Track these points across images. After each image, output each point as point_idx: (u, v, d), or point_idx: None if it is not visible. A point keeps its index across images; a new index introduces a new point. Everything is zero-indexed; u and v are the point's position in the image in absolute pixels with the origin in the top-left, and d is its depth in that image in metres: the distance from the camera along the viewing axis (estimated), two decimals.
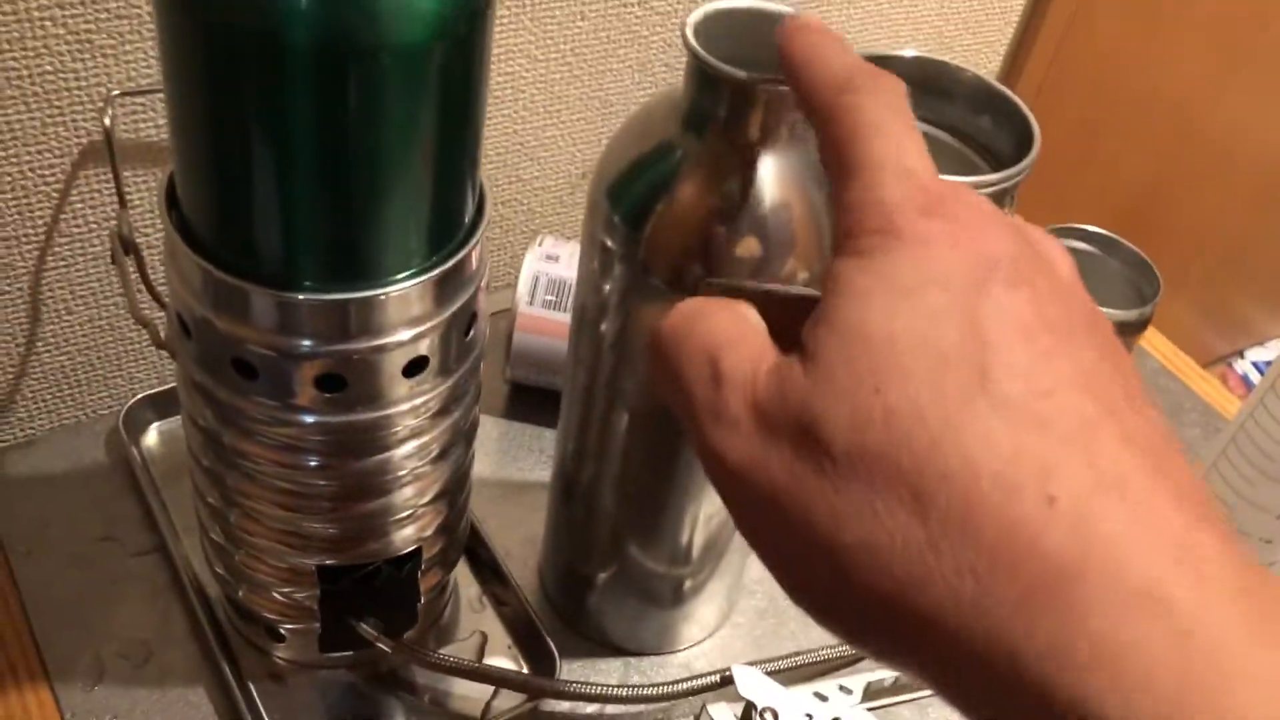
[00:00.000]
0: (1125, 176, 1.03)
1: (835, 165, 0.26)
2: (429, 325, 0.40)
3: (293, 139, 0.34)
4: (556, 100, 0.69)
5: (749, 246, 0.40)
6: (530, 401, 0.65)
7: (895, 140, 0.26)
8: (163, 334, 0.44)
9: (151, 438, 0.60)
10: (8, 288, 0.58)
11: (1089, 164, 0.99)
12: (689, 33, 0.38)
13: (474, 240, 0.40)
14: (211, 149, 0.35)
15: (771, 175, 0.39)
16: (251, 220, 0.36)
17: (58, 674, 0.50)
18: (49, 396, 0.63)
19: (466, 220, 0.40)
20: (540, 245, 0.63)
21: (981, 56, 0.86)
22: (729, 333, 0.26)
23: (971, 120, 0.68)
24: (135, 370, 0.65)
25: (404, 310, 0.39)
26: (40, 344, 0.61)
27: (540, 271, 0.61)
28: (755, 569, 0.58)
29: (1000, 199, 0.64)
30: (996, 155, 0.67)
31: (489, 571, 0.57)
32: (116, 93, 0.53)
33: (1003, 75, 0.88)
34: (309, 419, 0.41)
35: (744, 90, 0.38)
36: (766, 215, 0.40)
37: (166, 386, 0.61)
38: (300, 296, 0.37)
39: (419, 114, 0.34)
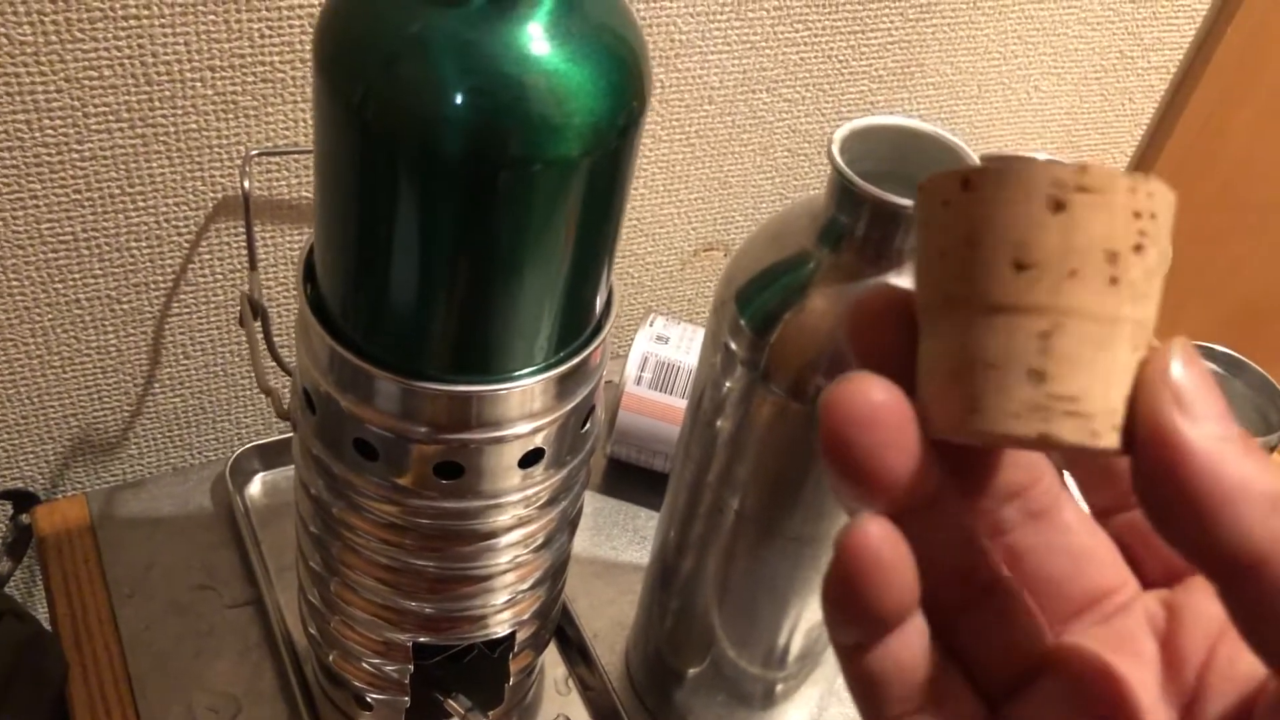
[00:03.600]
0: (1245, 289, 1.00)
1: None
2: (548, 419, 0.40)
3: (436, 239, 0.34)
4: (676, 180, 0.69)
5: None
6: (628, 479, 0.65)
7: None
8: (285, 403, 0.44)
9: (256, 487, 0.61)
10: (133, 330, 0.59)
11: (1206, 272, 0.96)
12: (834, 149, 0.38)
13: (599, 338, 0.40)
14: (355, 237, 0.36)
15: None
16: (386, 309, 0.36)
17: None
18: (159, 437, 0.65)
19: (595, 318, 0.40)
20: (651, 325, 0.63)
21: (1108, 157, 0.84)
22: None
23: None
24: (243, 416, 0.66)
25: (526, 404, 0.39)
26: (157, 385, 0.62)
27: (650, 352, 0.61)
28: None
29: None
30: None
31: (576, 653, 0.56)
32: (255, 152, 0.55)
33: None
34: (421, 502, 0.41)
35: (886, 210, 0.37)
36: None
37: (274, 438, 0.62)
38: (426, 385, 0.37)
39: (562, 221, 0.34)
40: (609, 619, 0.58)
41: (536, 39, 0.31)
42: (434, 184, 0.33)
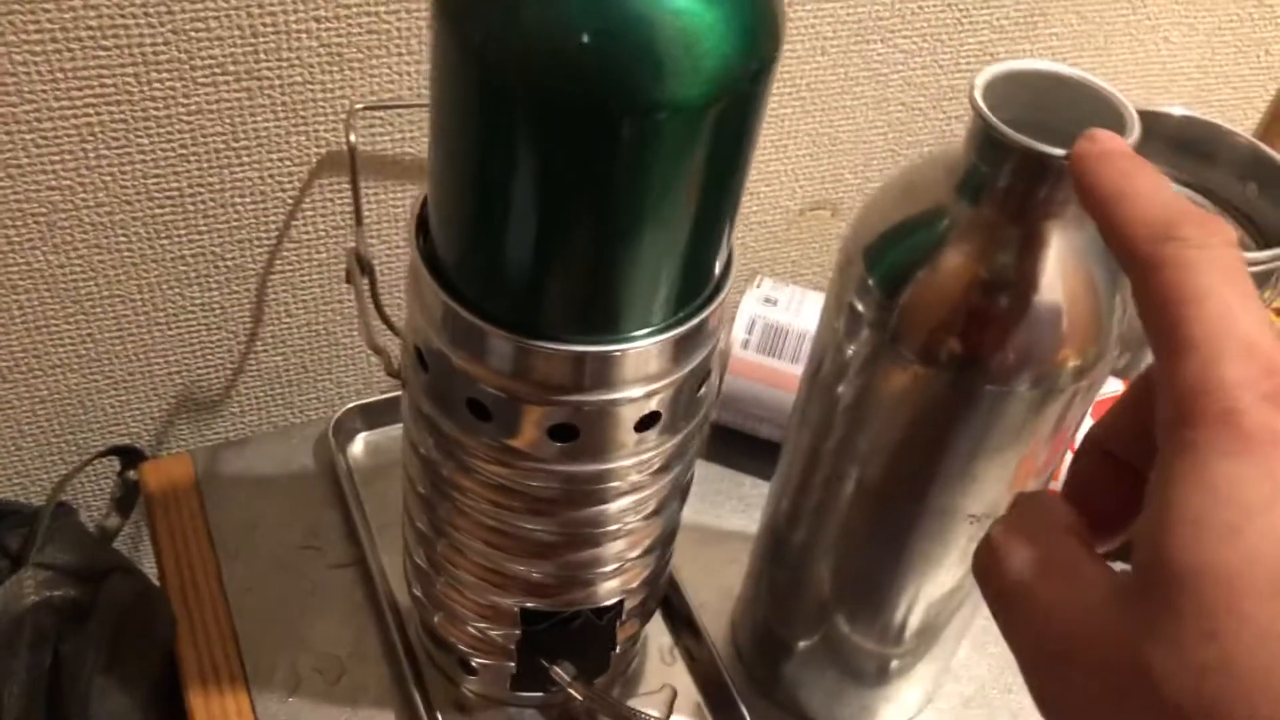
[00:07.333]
0: None
1: (1158, 332, 0.23)
2: (664, 383, 0.38)
3: (553, 190, 0.32)
4: (785, 135, 0.66)
5: (1016, 326, 0.37)
6: (731, 445, 0.63)
7: (1232, 307, 0.22)
8: (395, 361, 0.43)
9: (358, 447, 0.61)
10: (236, 287, 0.59)
11: None
12: (977, 94, 0.35)
13: (718, 300, 0.38)
14: (470, 188, 0.34)
15: (1051, 253, 0.36)
16: (502, 265, 0.35)
17: (256, 680, 0.50)
18: (262, 395, 0.65)
19: (714, 279, 0.38)
20: (759, 287, 0.61)
21: (1239, 113, 0.79)
22: (1045, 563, 0.24)
23: (1235, 187, 0.63)
24: (344, 375, 0.66)
25: (641, 367, 0.37)
26: (259, 343, 0.62)
27: (758, 315, 0.59)
28: (965, 653, 0.55)
29: (1263, 281, 0.59)
30: (1262, 229, 0.62)
31: (682, 622, 0.55)
32: (360, 106, 0.53)
33: (1260, 132, 0.81)
34: (534, 465, 0.39)
35: (1034, 159, 0.34)
36: (1040, 295, 0.36)
37: (377, 397, 0.61)
38: (542, 344, 0.36)
39: (686, 172, 0.32)
40: (715, 588, 0.56)
41: None
42: (554, 131, 0.31)
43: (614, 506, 0.42)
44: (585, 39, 0.29)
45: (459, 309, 0.36)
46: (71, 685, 0.48)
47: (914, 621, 0.47)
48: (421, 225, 0.38)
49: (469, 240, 0.36)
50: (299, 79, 0.52)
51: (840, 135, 0.68)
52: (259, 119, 0.53)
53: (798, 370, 0.58)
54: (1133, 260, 0.24)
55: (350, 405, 0.60)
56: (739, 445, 0.62)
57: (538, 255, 0.35)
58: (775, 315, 0.59)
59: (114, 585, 0.51)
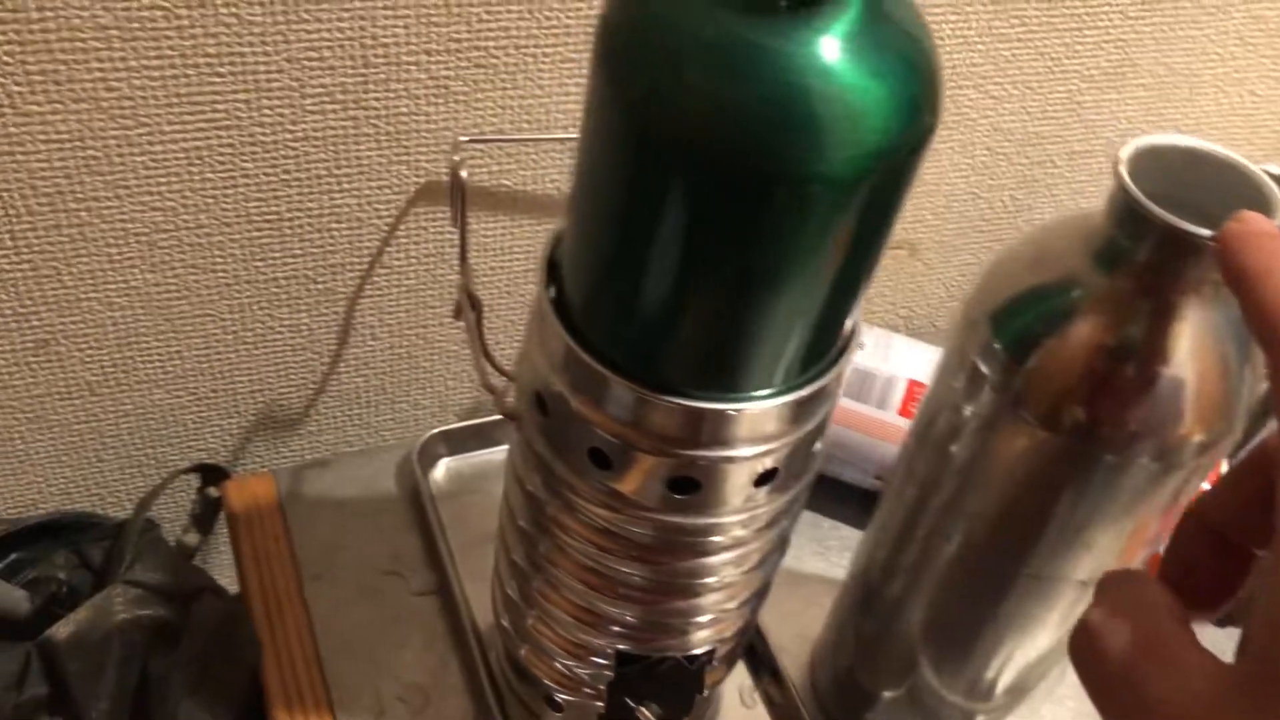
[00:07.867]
0: None
1: None
2: (780, 443, 0.38)
3: (695, 249, 0.32)
4: None
5: (1142, 398, 0.37)
6: (812, 488, 0.62)
7: None
8: (506, 400, 0.43)
9: (440, 472, 0.61)
10: (325, 310, 0.59)
11: None
12: (1123, 169, 0.35)
13: (840, 365, 0.38)
14: (612, 238, 0.34)
15: (1185, 329, 0.36)
16: (633, 314, 0.35)
17: (341, 707, 0.50)
18: (340, 416, 0.65)
19: (843, 341, 0.38)
20: None
21: None
22: (1150, 650, 0.24)
23: None
24: (422, 399, 0.66)
25: (760, 426, 0.37)
26: (342, 365, 0.62)
27: None
28: (1046, 709, 0.54)
29: None
30: None
31: (763, 666, 0.55)
32: (464, 139, 0.54)
33: None
34: (645, 514, 0.39)
35: (1178, 238, 0.34)
36: (1170, 369, 0.36)
37: (461, 424, 0.61)
38: (661, 397, 0.36)
39: (831, 241, 0.32)
40: (793, 631, 0.56)
41: (838, 50, 0.29)
42: (704, 192, 0.31)
43: (716, 559, 0.42)
44: (748, 106, 0.29)
45: (584, 355, 0.36)
46: (160, 706, 0.48)
47: (1005, 679, 0.47)
48: (550, 269, 0.38)
49: (603, 287, 0.36)
50: (405, 109, 0.53)
51: (925, 176, 0.68)
52: (363, 147, 0.53)
53: (885, 415, 0.58)
54: (1273, 340, 0.24)
55: (435, 431, 0.60)
56: (820, 488, 0.61)
57: (671, 309, 0.35)
58: (863, 359, 0.59)
59: (204, 606, 0.51)
